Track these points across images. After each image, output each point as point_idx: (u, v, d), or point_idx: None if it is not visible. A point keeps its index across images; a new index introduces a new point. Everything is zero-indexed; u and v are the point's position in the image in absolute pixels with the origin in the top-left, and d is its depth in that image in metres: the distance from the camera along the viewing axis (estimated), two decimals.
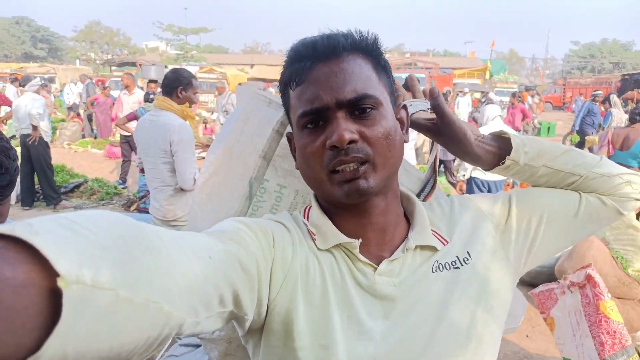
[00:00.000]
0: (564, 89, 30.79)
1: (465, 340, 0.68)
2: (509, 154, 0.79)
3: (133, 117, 5.79)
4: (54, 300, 0.32)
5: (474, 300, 0.71)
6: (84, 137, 11.57)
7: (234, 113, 1.03)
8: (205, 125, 13.30)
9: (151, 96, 6.01)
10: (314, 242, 0.73)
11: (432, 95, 0.78)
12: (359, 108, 0.68)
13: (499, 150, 0.81)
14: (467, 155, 0.81)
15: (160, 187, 2.98)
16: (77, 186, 6.86)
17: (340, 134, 0.65)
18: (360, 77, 0.69)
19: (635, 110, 4.81)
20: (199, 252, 0.51)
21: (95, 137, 11.40)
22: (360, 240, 0.71)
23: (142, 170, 5.52)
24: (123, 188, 7.01)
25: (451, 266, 0.73)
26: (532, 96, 14.79)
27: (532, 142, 0.82)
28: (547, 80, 45.06)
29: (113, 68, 29.76)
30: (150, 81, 7.97)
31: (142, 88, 8.86)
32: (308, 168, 0.72)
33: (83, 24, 45.99)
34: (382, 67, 0.74)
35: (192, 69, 22.20)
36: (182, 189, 2.94)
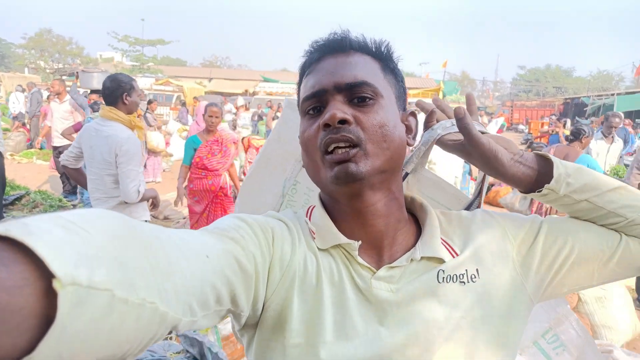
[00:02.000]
0: (512, 110, 32.36)
1: None
2: (549, 180, 0.73)
3: (80, 127, 5.66)
4: (49, 301, 0.32)
5: (476, 322, 0.68)
6: (30, 147, 11.10)
7: (277, 122, 1.13)
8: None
9: (96, 106, 5.85)
10: (314, 241, 0.72)
11: (457, 116, 0.74)
12: (357, 95, 0.69)
13: (538, 174, 0.75)
14: (501, 176, 0.76)
15: (102, 199, 2.93)
16: (19, 198, 6.58)
17: (332, 112, 0.66)
18: (364, 68, 0.71)
19: (573, 131, 5.07)
20: (196, 251, 0.51)
21: (41, 148, 10.97)
22: (359, 242, 0.71)
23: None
24: (69, 201, 6.79)
25: (458, 279, 0.70)
26: (481, 116, 15.51)
27: (579, 173, 0.75)
28: (496, 102, 47.19)
29: (64, 77, 28.73)
30: (93, 92, 7.22)
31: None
32: (307, 156, 0.73)
33: (33, 32, 44.28)
34: (390, 70, 0.76)
35: (148, 80, 21.78)
36: (125, 202, 2.90)
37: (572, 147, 4.94)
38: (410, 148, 0.79)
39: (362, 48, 0.74)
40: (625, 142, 7.33)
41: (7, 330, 0.30)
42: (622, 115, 7.65)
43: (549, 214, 4.86)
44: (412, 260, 0.71)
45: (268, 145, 1.10)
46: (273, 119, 11.20)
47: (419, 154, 0.87)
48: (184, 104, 16.68)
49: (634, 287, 4.37)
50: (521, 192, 0.78)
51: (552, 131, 10.18)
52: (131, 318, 0.37)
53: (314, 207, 0.78)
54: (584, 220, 0.77)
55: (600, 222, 0.76)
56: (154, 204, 3.10)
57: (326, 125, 0.67)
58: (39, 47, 43.09)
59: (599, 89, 40.16)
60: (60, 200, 6.61)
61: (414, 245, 0.73)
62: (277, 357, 0.66)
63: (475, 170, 7.38)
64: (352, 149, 0.66)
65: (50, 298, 0.32)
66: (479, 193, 0.90)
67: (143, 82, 20.99)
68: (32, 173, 8.84)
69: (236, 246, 0.60)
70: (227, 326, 2.70)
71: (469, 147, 0.75)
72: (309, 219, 0.76)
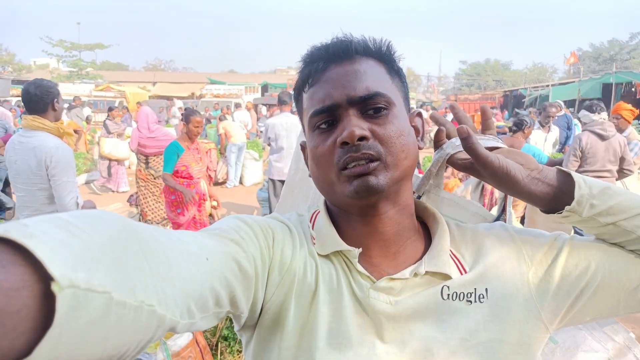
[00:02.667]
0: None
1: None
2: (571, 200, 0.67)
3: (9, 138, 5.27)
4: (47, 304, 0.32)
5: (481, 345, 0.64)
6: None
7: (294, 151, 1.16)
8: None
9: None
10: (314, 246, 0.71)
11: (460, 136, 0.68)
12: (371, 107, 0.67)
13: (560, 192, 0.68)
14: (517, 194, 0.70)
15: (32, 216, 2.71)
16: None
17: (351, 129, 0.64)
18: (373, 77, 0.69)
19: (515, 121, 5.26)
20: (195, 254, 0.51)
21: None
22: (360, 249, 0.69)
23: None
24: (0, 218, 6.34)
25: (465, 297, 0.66)
26: (427, 111, 15.87)
27: (605, 194, 0.67)
28: (441, 97, 48.66)
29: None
30: None
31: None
32: (319, 170, 0.70)
33: None
34: (395, 72, 0.74)
35: (87, 87, 20.84)
36: None
37: (515, 137, 5.14)
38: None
39: (365, 52, 0.71)
40: (569, 128, 7.61)
41: (5, 332, 0.30)
42: (562, 103, 8.03)
43: (496, 204, 5.02)
44: (415, 274, 0.67)
45: (290, 174, 1.15)
46: (220, 120, 10.95)
47: (430, 175, 0.84)
48: (127, 109, 16.01)
49: None
50: (542, 211, 0.72)
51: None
52: (129, 320, 0.37)
53: (318, 212, 0.76)
54: (612, 243, 0.71)
55: (630, 248, 0.69)
56: None
57: (344, 143, 0.65)
58: None
59: (535, 80, 42.27)
60: None
61: (421, 257, 0.70)
62: (273, 358, 0.65)
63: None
64: (372, 163, 0.65)
65: (48, 300, 0.32)
66: (503, 209, 0.87)
67: (82, 89, 20.04)
68: None
69: (236, 247, 0.59)
70: (177, 341, 2.58)
71: (478, 167, 0.70)
72: (312, 224, 0.74)
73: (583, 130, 4.69)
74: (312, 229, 0.74)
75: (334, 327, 0.65)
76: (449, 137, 0.80)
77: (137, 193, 6.11)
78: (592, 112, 4.69)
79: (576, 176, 0.68)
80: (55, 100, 2.72)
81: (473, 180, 4.98)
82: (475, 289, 0.67)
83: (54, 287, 0.31)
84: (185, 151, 4.28)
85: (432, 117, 0.89)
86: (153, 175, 5.90)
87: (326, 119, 0.69)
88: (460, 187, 6.21)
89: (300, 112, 0.77)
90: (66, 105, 14.61)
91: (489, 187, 5.08)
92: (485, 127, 0.81)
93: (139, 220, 5.86)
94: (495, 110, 19.78)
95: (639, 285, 0.68)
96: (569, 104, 18.23)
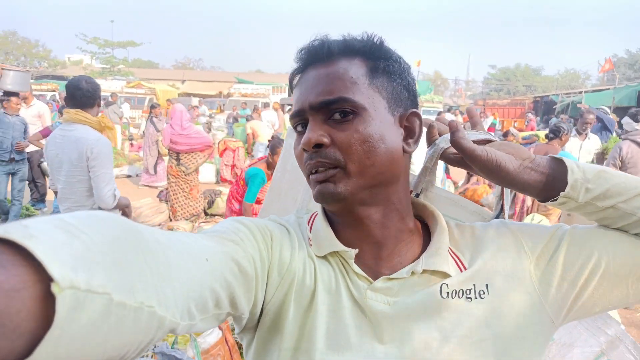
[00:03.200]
0: (484, 108, 32.98)
1: None
2: (565, 186, 0.66)
3: (48, 132, 5.42)
4: (47, 304, 0.32)
5: (483, 342, 0.63)
6: None
7: (280, 152, 1.12)
8: (132, 143, 12.77)
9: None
10: (310, 248, 0.71)
11: (450, 129, 0.70)
12: (336, 112, 0.66)
13: (554, 180, 0.67)
14: (509, 184, 0.70)
15: (73, 208, 2.78)
16: None
17: (307, 137, 0.65)
18: (342, 80, 0.66)
19: (552, 128, 5.14)
20: (196, 255, 0.51)
21: None
22: (356, 250, 0.68)
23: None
24: (37, 209, 6.53)
25: (464, 294, 0.65)
26: (455, 115, 15.63)
27: (600, 177, 0.66)
28: (468, 101, 48.02)
29: (31, 81, 27.87)
30: (7, 94, 5.52)
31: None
32: (301, 171, 0.73)
33: None
34: (382, 70, 0.69)
35: (119, 83, 21.32)
36: (99, 209, 2.76)
37: (551, 145, 4.99)
38: (413, 153, 0.73)
39: (345, 50, 0.68)
40: (607, 128, 7.36)
41: (5, 333, 0.30)
42: (607, 109, 7.77)
43: (530, 212, 4.90)
44: (413, 273, 0.66)
45: (276, 176, 1.10)
46: (248, 120, 11.05)
47: (426, 172, 0.82)
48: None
49: None
50: (539, 200, 0.71)
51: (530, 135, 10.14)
52: (129, 322, 0.37)
53: (316, 214, 0.76)
54: (614, 229, 0.69)
55: (633, 231, 0.67)
56: (126, 214, 2.97)
57: (304, 149, 0.66)
58: (4, 50, 41.75)
59: (566, 87, 41.29)
60: (27, 209, 6.34)
61: (418, 256, 0.69)
62: (274, 359, 0.65)
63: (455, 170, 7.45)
64: (332, 170, 0.65)
65: (48, 301, 0.32)
66: (501, 207, 0.86)
67: (114, 85, 20.52)
68: None
69: (236, 248, 0.59)
70: (207, 339, 2.60)
71: (467, 160, 0.70)
72: (310, 227, 0.74)
73: (624, 139, 4.54)
74: (310, 231, 0.73)
75: (332, 328, 0.64)
76: (440, 134, 0.79)
77: (167, 189, 6.20)
78: (637, 121, 4.54)
79: (568, 161, 0.67)
80: (99, 100, 2.83)
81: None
82: (474, 285, 0.66)
83: (54, 288, 0.31)
84: (267, 182, 4.16)
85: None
86: (184, 172, 5.98)
87: (301, 123, 0.70)
88: (491, 194, 6.10)
89: None
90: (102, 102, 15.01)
91: (520, 195, 4.97)
92: (474, 124, 0.81)
93: (169, 216, 5.98)
94: (530, 115, 19.21)
95: None
96: None
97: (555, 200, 0.67)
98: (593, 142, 6.22)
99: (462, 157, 0.72)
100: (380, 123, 0.67)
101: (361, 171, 0.65)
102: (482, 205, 1.11)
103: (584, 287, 0.66)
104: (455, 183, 7.20)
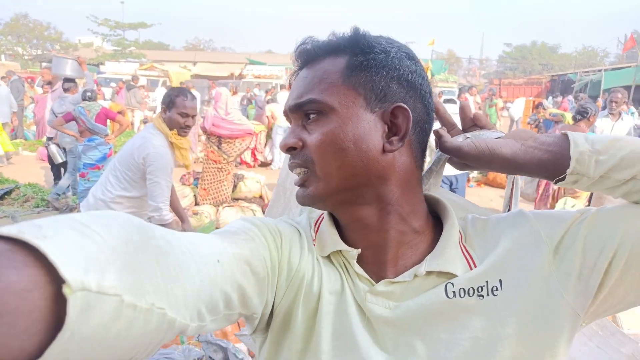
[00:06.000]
0: (499, 88, 32.44)
1: None
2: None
3: (71, 117, 5.40)
4: (58, 305, 0.32)
5: (498, 343, 0.59)
6: (15, 138, 10.76)
7: None
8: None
9: (88, 94, 5.57)
10: (314, 247, 0.71)
11: (436, 137, 0.72)
12: (304, 114, 0.67)
13: (561, 157, 0.61)
14: (513, 169, 0.66)
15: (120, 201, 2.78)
16: (8, 192, 6.36)
17: (282, 140, 0.68)
18: (317, 81, 0.65)
19: (579, 109, 5.02)
20: (207, 256, 0.51)
21: (26, 139, 10.64)
22: (359, 250, 0.67)
23: (82, 175, 5.20)
24: (61, 194, 6.58)
25: (475, 292, 0.62)
26: (473, 94, 15.06)
27: (613, 147, 0.59)
28: (483, 80, 47.24)
29: (44, 64, 27.96)
30: (67, 80, 6.37)
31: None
32: None
33: (9, 17, 42.85)
34: (358, 64, 0.65)
35: (132, 65, 21.28)
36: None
37: (578, 126, 4.89)
38: (393, 153, 0.66)
39: (331, 51, 0.67)
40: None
41: (16, 333, 0.30)
42: (625, 92, 7.54)
43: (557, 197, 4.82)
44: (416, 276, 0.64)
45: (282, 174, 1.11)
46: (268, 102, 10.98)
47: (430, 174, 0.79)
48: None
49: None
50: (549, 181, 0.65)
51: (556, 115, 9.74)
52: (139, 323, 0.37)
53: (323, 215, 0.76)
54: None
55: None
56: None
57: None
58: (16, 33, 41.85)
59: (584, 65, 40.35)
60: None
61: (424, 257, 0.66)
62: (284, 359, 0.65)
63: None
64: (304, 172, 0.67)
65: (59, 302, 0.32)
66: (508, 209, 0.83)
67: (127, 68, 20.49)
68: (19, 165, 8.57)
69: (247, 249, 0.59)
70: None
71: (460, 160, 0.70)
72: (316, 227, 0.74)
73: None
74: (316, 232, 0.73)
75: (338, 329, 0.64)
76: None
77: (201, 173, 6.13)
78: None
79: (572, 134, 0.62)
80: (164, 106, 2.78)
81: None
82: (487, 281, 0.62)
83: (66, 289, 0.32)
84: None
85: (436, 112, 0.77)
86: (226, 160, 5.94)
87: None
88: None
89: None
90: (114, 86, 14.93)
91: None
92: (482, 126, 0.75)
93: (194, 199, 5.97)
94: (558, 98, 18.52)
95: None
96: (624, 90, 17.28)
97: (564, 179, 0.61)
98: (627, 123, 5.98)
99: (459, 160, 0.71)
100: (352, 123, 0.63)
101: (330, 172, 0.64)
102: (503, 186, 1.07)
103: (608, 272, 0.59)
104: None
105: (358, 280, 0.66)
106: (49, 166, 6.96)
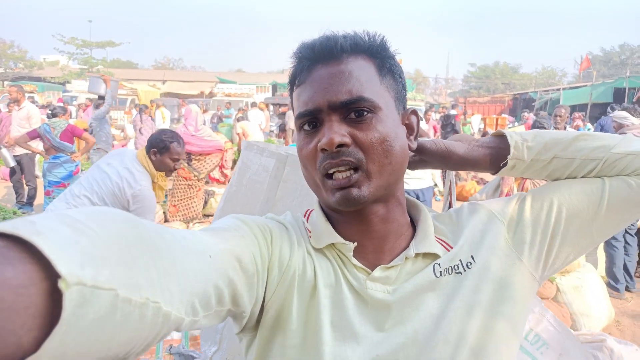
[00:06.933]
0: (465, 106, 33.40)
1: (454, 351, 0.64)
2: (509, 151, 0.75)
3: (36, 134, 5.31)
4: (54, 301, 0.32)
5: (474, 308, 0.67)
6: None
7: (236, 165, 1.11)
8: (113, 145, 12.56)
9: (51, 111, 5.56)
10: (310, 240, 0.72)
11: None
12: (354, 111, 0.66)
13: (500, 150, 0.77)
14: (464, 165, 0.78)
15: None
16: None
17: (330, 136, 0.64)
18: (358, 79, 0.67)
19: (536, 123, 5.26)
20: (199, 252, 0.51)
21: None
22: (355, 243, 0.70)
23: (47, 193, 5.09)
24: (23, 212, 6.38)
25: (453, 270, 0.70)
26: (436, 113, 15.94)
27: (537, 136, 0.76)
28: (449, 99, 48.50)
29: (6, 83, 27.15)
30: (99, 98, 7.43)
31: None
32: (306, 171, 0.72)
33: None
34: (387, 69, 0.71)
35: None
36: None
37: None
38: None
39: (354, 48, 0.69)
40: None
41: (13, 329, 0.30)
42: (568, 108, 7.96)
43: None
44: (406, 258, 0.70)
45: (230, 190, 1.07)
46: (238, 120, 11.00)
47: None
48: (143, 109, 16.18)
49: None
50: (492, 173, 0.80)
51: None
52: (135, 317, 0.37)
53: (312, 210, 0.78)
54: (565, 179, 0.78)
55: (580, 175, 0.76)
56: None
57: (323, 149, 0.66)
58: None
59: (544, 84, 42.08)
60: (15, 212, 6.19)
61: (409, 244, 0.73)
62: (277, 358, 0.66)
63: None
64: (354, 174, 0.65)
65: (55, 297, 0.32)
66: (449, 206, 0.93)
67: None
68: None
69: (237, 246, 0.60)
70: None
71: (423, 156, 0.79)
72: (307, 219, 0.76)
73: (624, 133, 4.57)
74: (307, 222, 0.75)
75: (336, 320, 0.66)
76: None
77: (171, 189, 6.07)
78: (637, 115, 4.43)
79: (506, 131, 0.78)
80: (155, 150, 2.74)
81: (491, 184, 4.88)
82: (460, 260, 0.71)
83: (61, 284, 0.32)
84: None
85: None
86: (196, 177, 5.91)
87: (309, 122, 0.69)
88: (477, 193, 6.23)
89: (291, 106, 0.77)
90: (75, 105, 14.58)
91: (505, 189, 5.03)
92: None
93: (164, 216, 5.90)
94: (526, 113, 19.33)
95: (600, 202, 0.73)
96: (580, 108, 18.13)
97: (506, 164, 0.76)
98: None
99: (417, 158, 0.80)
100: (393, 121, 0.69)
101: (380, 171, 0.67)
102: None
103: (553, 236, 0.73)
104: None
105: (355, 271, 0.69)
106: (11, 184, 6.76)
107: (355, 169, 0.66)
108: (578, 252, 0.76)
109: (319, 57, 0.68)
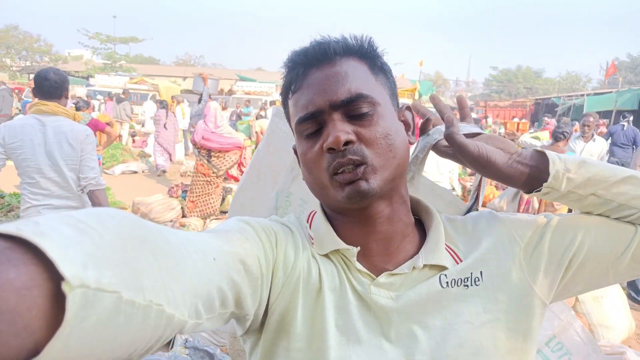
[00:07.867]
0: (485, 110, 32.98)
1: None
2: (548, 177, 0.70)
3: None
4: (57, 303, 0.32)
5: (484, 328, 0.66)
6: None
7: (265, 132, 1.08)
8: (134, 139, 12.76)
9: (77, 104, 5.68)
10: (312, 246, 0.72)
11: (446, 124, 0.73)
12: (355, 109, 0.67)
13: (538, 172, 0.71)
14: (498, 178, 0.74)
15: (65, 197, 2.80)
16: None
17: (336, 135, 0.64)
18: (355, 78, 0.68)
19: (557, 130, 5.26)
20: (203, 254, 0.51)
21: None
22: (359, 248, 0.70)
23: None
24: None
25: (462, 282, 0.69)
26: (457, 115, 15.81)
27: (581, 167, 0.70)
28: (469, 102, 48.01)
29: (31, 76, 27.72)
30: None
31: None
32: (310, 175, 0.71)
33: None
34: (379, 68, 0.73)
35: (122, 79, 21.26)
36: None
37: (556, 146, 5.12)
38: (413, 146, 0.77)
39: (346, 51, 0.70)
40: (635, 143, 7.32)
41: (15, 331, 0.30)
42: (596, 115, 7.83)
43: (538, 213, 4.95)
44: (414, 268, 0.69)
45: (257, 157, 1.07)
46: (257, 118, 11.06)
47: (417, 161, 0.84)
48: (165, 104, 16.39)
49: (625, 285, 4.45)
50: (524, 192, 0.75)
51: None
52: (138, 320, 0.37)
53: (315, 213, 0.77)
54: (596, 215, 0.73)
55: (614, 216, 0.72)
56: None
57: (330, 149, 0.66)
58: (5, 44, 41.55)
59: (567, 89, 41.31)
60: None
61: (417, 251, 0.71)
62: None
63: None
64: (360, 167, 0.65)
65: (58, 300, 0.32)
66: (476, 198, 0.88)
67: (117, 81, 20.47)
68: (3, 174, 8.45)
69: (241, 248, 0.60)
70: None
71: (459, 155, 0.74)
72: (309, 225, 0.75)
73: None
74: (310, 228, 0.74)
75: (341, 324, 0.65)
76: (434, 126, 0.82)
77: (190, 185, 6.16)
78: None
79: (550, 153, 0.71)
80: (66, 91, 2.86)
81: (510, 190, 4.81)
82: (471, 273, 0.69)
83: (65, 286, 0.31)
84: None
85: (414, 107, 0.86)
86: (215, 174, 5.97)
87: (311, 125, 0.69)
88: (497, 199, 6.14)
89: (287, 118, 0.77)
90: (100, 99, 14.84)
91: (525, 196, 4.95)
92: (463, 116, 0.85)
93: (182, 212, 5.98)
94: (547, 118, 19.01)
95: (625, 250, 0.70)
96: (605, 114, 17.76)
97: (539, 190, 0.71)
98: (598, 144, 6.26)
99: (452, 150, 0.75)
100: (392, 117, 0.70)
101: (385, 165, 0.67)
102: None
103: (568, 267, 0.71)
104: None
105: (359, 275, 0.69)
106: None
107: (360, 165, 0.66)
108: (591, 287, 0.75)
109: (313, 61, 0.69)
